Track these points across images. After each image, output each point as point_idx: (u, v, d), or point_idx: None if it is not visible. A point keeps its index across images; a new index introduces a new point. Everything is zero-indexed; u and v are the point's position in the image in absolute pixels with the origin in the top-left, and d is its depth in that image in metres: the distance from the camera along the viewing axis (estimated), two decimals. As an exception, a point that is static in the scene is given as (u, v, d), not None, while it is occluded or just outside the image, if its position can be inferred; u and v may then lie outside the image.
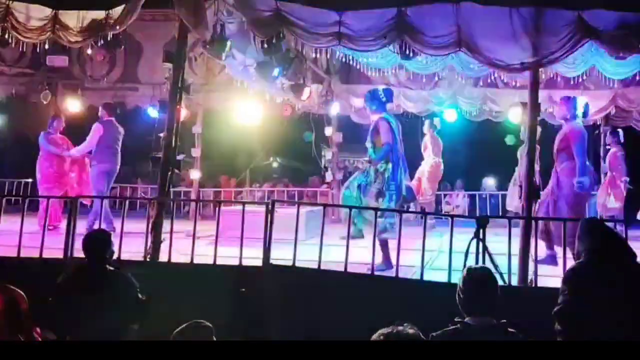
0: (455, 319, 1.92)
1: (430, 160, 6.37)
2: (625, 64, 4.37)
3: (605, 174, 6.17)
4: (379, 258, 3.67)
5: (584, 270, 2.18)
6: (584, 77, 4.73)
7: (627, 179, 5.74)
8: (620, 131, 6.00)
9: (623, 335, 1.94)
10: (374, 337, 1.50)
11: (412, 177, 5.27)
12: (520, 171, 5.34)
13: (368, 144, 4.00)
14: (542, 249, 3.71)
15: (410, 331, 1.49)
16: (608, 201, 5.64)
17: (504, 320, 1.90)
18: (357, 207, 3.85)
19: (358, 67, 5.21)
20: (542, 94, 4.22)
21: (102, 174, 5.20)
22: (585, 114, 4.02)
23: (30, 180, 7.12)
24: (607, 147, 6.30)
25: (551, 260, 3.80)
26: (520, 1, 3.52)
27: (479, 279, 2.00)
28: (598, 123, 6.78)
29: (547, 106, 5.89)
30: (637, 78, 4.91)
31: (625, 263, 2.14)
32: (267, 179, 9.20)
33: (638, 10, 3.43)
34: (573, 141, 3.79)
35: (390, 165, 3.85)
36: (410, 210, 4.92)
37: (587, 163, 3.89)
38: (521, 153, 5.72)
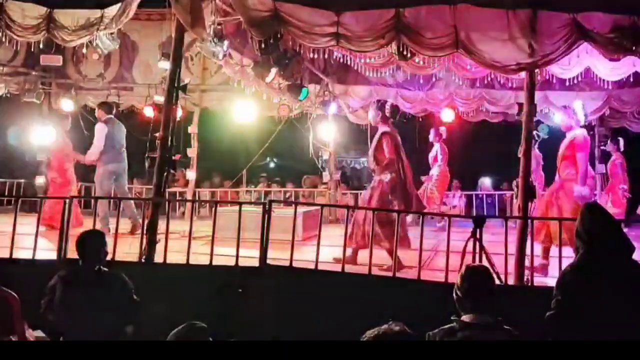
0: (452, 317, 1.93)
1: (438, 170, 6.34)
2: (619, 66, 4.40)
3: (602, 174, 6.22)
4: (376, 259, 3.67)
5: (577, 273, 2.13)
6: (579, 79, 4.78)
7: (625, 186, 5.77)
8: (621, 139, 6.05)
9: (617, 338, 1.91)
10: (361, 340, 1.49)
11: (417, 186, 5.29)
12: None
13: (370, 156, 4.07)
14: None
15: (396, 328, 1.49)
16: (607, 207, 5.67)
17: (500, 318, 1.91)
18: (353, 207, 3.85)
19: (356, 67, 5.22)
20: (538, 95, 4.23)
21: (108, 174, 5.12)
22: (585, 116, 4.05)
23: (23, 180, 7.05)
24: (602, 148, 6.34)
25: (543, 269, 3.76)
26: (516, 3, 3.55)
27: (476, 277, 2.00)
28: (593, 124, 6.83)
29: (543, 107, 5.93)
30: (631, 79, 4.95)
31: (623, 261, 2.09)
32: (264, 179, 9.18)
33: (632, 12, 3.47)
34: (578, 149, 3.83)
35: (394, 175, 3.92)
36: (407, 210, 4.88)
37: (589, 169, 3.94)
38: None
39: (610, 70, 4.44)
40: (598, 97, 6.06)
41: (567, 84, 4.99)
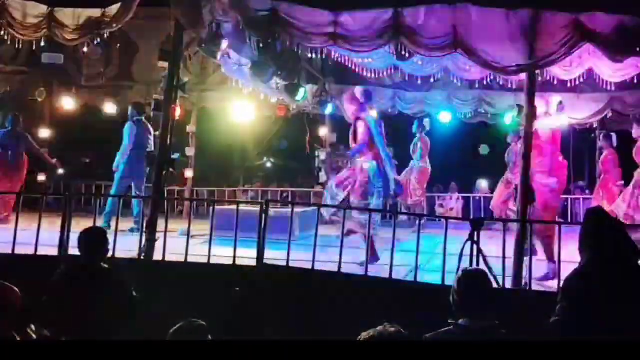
0: (449, 321, 1.92)
1: (419, 163, 6.32)
2: (623, 67, 4.37)
3: (600, 176, 6.18)
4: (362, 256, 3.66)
5: (583, 279, 2.08)
6: (581, 80, 4.74)
7: (622, 182, 5.72)
8: (614, 135, 5.99)
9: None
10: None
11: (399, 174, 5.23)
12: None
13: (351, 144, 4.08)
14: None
15: (391, 329, 1.49)
16: (602, 204, 5.62)
17: (497, 322, 1.90)
18: (350, 208, 3.85)
19: (353, 67, 5.22)
20: (538, 97, 4.21)
21: (127, 174, 5.19)
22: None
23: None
24: (601, 150, 6.30)
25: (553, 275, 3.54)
26: (517, 3, 3.53)
27: (473, 280, 1.99)
28: (594, 126, 6.79)
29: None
30: (635, 81, 4.91)
31: (630, 266, 2.04)
32: (259, 179, 9.19)
33: (635, 13, 3.44)
34: (541, 138, 3.68)
35: (374, 163, 3.89)
36: (404, 212, 4.89)
37: (560, 159, 3.78)
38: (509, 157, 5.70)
39: (613, 71, 4.41)
40: (600, 99, 6.01)
41: (569, 85, 4.95)
